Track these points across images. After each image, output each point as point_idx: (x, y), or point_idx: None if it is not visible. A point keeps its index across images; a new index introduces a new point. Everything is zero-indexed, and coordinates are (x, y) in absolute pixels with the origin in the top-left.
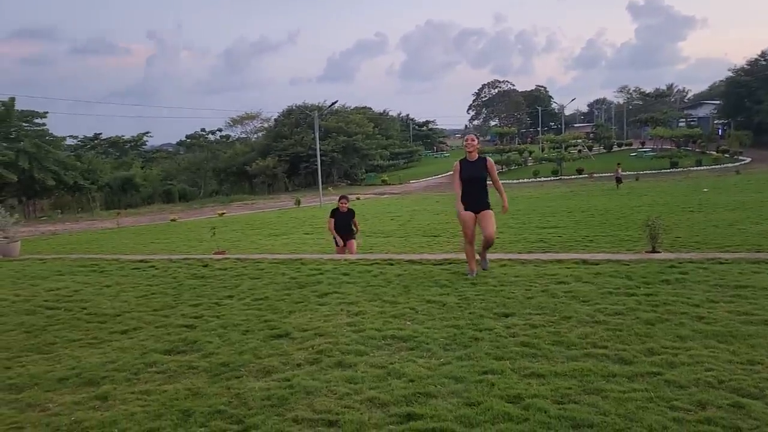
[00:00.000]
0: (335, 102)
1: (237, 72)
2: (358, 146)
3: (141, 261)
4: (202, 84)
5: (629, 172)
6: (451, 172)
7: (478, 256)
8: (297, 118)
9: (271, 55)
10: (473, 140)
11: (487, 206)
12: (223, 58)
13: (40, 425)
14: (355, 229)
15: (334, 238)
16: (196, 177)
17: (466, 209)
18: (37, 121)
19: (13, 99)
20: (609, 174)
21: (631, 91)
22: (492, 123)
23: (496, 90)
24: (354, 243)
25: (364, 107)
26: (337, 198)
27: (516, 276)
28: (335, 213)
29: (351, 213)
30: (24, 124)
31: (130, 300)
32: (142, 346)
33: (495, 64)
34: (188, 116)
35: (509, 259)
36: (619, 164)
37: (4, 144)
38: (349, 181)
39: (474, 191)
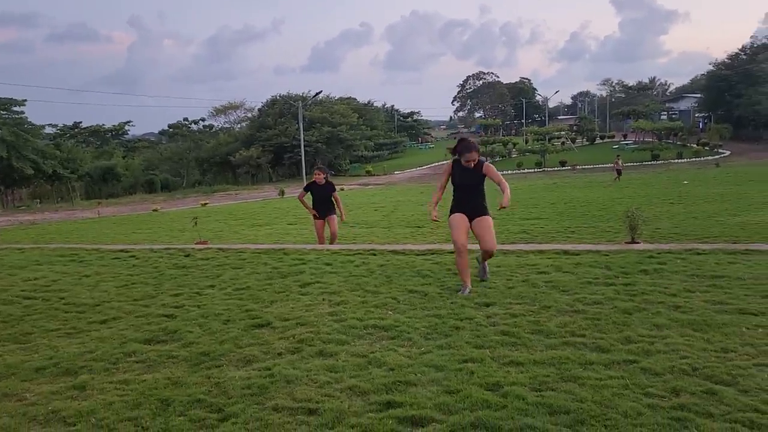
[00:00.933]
0: (320, 92)
1: (221, 61)
2: (343, 137)
3: (121, 251)
4: (185, 73)
5: (610, 164)
6: (436, 164)
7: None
8: (281, 108)
9: (256, 44)
10: (475, 158)
11: (485, 211)
12: (206, 47)
13: (17, 415)
14: (336, 205)
15: (312, 214)
16: (179, 167)
17: (458, 212)
18: (15, 108)
19: None
20: (591, 166)
21: (614, 84)
22: (477, 114)
23: (481, 81)
24: (335, 219)
25: (349, 98)
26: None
27: (497, 266)
28: (311, 186)
29: (330, 186)
30: (2, 111)
31: (109, 290)
32: (121, 336)
33: (480, 55)
34: (171, 105)
35: None
36: (618, 156)
37: None
38: (333, 172)
39: (467, 196)
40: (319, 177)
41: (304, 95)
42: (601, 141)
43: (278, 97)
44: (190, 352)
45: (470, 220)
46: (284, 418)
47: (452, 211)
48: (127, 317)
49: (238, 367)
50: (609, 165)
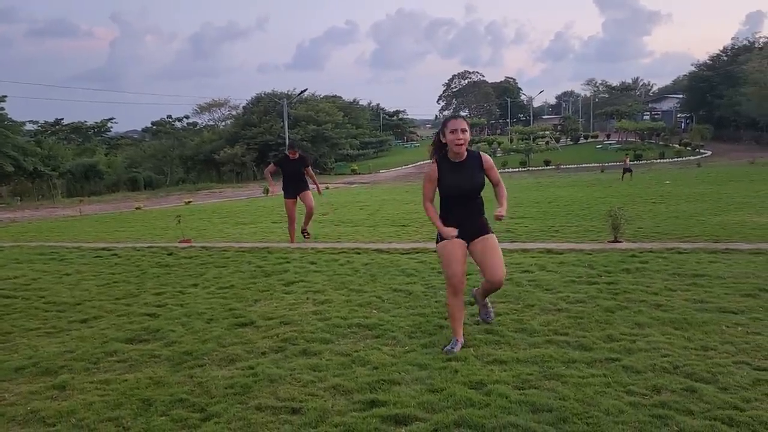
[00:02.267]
0: (304, 90)
1: (204, 58)
2: (328, 135)
3: (103, 249)
4: (168, 69)
5: (594, 164)
6: (421, 163)
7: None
8: (266, 106)
9: (240, 42)
10: (464, 129)
11: (486, 228)
12: (189, 43)
13: None
14: (312, 181)
15: (271, 190)
16: (163, 164)
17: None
18: None
19: None
20: (574, 166)
21: (597, 84)
22: (462, 113)
23: (466, 81)
24: (310, 194)
25: (334, 96)
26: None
27: None
28: (283, 161)
29: (302, 160)
30: None
31: (91, 288)
32: (102, 335)
33: (465, 54)
34: (154, 102)
35: None
36: (627, 155)
37: None
38: (318, 170)
39: (462, 209)
40: (292, 154)
41: (289, 93)
42: (584, 141)
43: (263, 95)
44: (173, 352)
45: (468, 241)
46: (267, 418)
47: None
48: (108, 316)
49: (221, 366)
50: (593, 165)
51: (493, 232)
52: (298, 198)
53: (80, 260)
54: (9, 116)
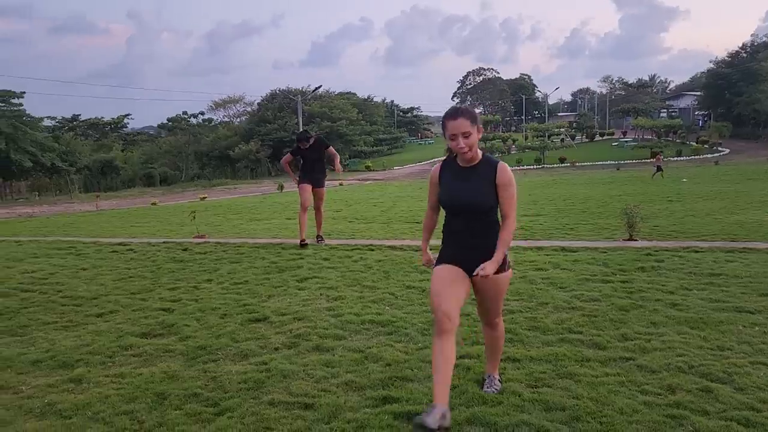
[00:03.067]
0: (319, 87)
1: (219, 54)
2: (342, 132)
3: (119, 244)
4: (184, 66)
5: (610, 162)
6: (436, 160)
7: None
8: (280, 103)
9: (255, 38)
10: (466, 132)
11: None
12: (205, 40)
13: (13, 407)
14: (332, 161)
15: (296, 180)
16: (178, 161)
17: (448, 260)
18: (13, 101)
19: None
20: (590, 163)
21: (614, 81)
22: (477, 111)
23: (481, 78)
24: (324, 192)
25: (348, 93)
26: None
27: None
28: (298, 151)
29: (320, 143)
30: (0, 104)
31: (107, 283)
32: (118, 330)
33: (480, 51)
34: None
35: None
36: (659, 153)
37: None
38: (330, 167)
39: (465, 231)
40: (304, 144)
41: (304, 90)
42: (600, 138)
43: (277, 92)
44: (187, 346)
45: (470, 272)
46: (280, 413)
47: (440, 256)
48: (124, 311)
49: (234, 361)
50: (609, 162)
51: (507, 269)
52: (312, 189)
53: (97, 255)
54: (27, 112)
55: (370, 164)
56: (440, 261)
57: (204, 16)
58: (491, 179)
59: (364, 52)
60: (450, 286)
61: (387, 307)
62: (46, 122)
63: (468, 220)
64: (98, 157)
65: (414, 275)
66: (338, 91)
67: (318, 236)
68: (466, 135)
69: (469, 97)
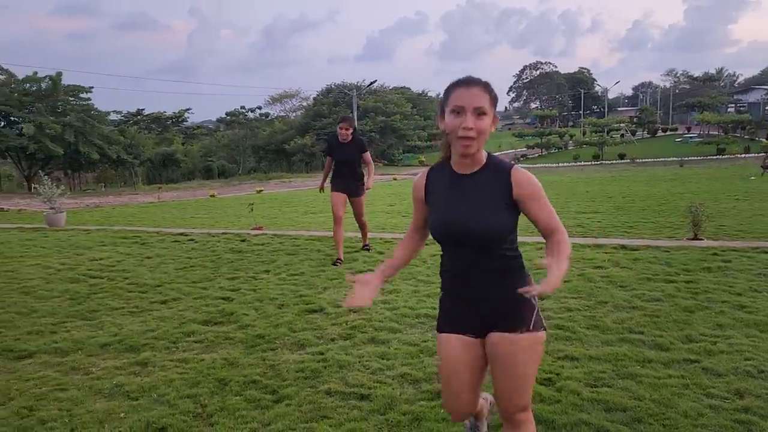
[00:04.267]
0: (374, 81)
1: (276, 50)
2: (396, 126)
3: (181, 234)
4: (242, 61)
5: (673, 158)
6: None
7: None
8: (335, 97)
9: (311, 33)
10: (481, 108)
11: (517, 316)
12: (262, 36)
13: (83, 388)
14: (367, 173)
15: (321, 186)
16: (236, 154)
17: (451, 323)
18: (82, 96)
19: (60, 74)
20: (651, 159)
21: (678, 75)
22: (533, 105)
23: (538, 71)
24: (362, 201)
25: (403, 87)
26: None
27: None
28: (333, 145)
29: (359, 145)
30: (70, 98)
31: (170, 272)
32: (180, 316)
33: (537, 45)
34: (228, 93)
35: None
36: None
37: (52, 118)
38: (385, 161)
39: (468, 271)
40: (345, 132)
41: (359, 84)
42: (663, 134)
43: (333, 86)
44: (246, 335)
45: (479, 333)
46: (337, 402)
47: (441, 313)
48: (186, 298)
49: (292, 350)
50: (672, 158)
51: (535, 328)
52: (347, 199)
53: (160, 244)
54: (95, 107)
55: (423, 159)
56: (441, 322)
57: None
58: (505, 191)
59: (419, 46)
60: (465, 372)
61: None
62: (113, 116)
63: (473, 257)
64: (160, 150)
65: None
66: (393, 86)
67: (364, 245)
68: (480, 113)
69: (525, 91)
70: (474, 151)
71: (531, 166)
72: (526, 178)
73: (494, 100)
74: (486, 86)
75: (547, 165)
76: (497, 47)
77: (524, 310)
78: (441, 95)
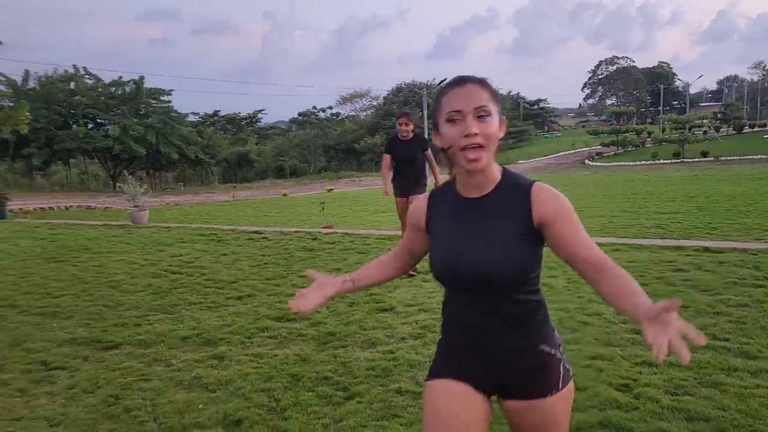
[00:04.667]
0: (444, 80)
1: (348, 50)
2: None
3: (255, 232)
4: (314, 62)
5: (761, 156)
6: (562, 154)
7: None
8: (405, 97)
9: (381, 33)
10: (484, 108)
11: (540, 379)
12: (334, 36)
13: (165, 379)
14: (432, 172)
15: (386, 190)
16: (307, 153)
17: (449, 371)
18: (163, 98)
19: (142, 77)
20: (737, 157)
21: (767, 68)
22: (608, 101)
23: (614, 67)
24: None
25: None
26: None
27: (630, 261)
28: (393, 143)
29: (420, 142)
30: (152, 101)
31: (244, 268)
32: (255, 312)
33: (613, 39)
34: (300, 94)
35: (623, 244)
36: None
37: (135, 120)
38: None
39: (484, 320)
40: (406, 128)
41: (429, 83)
42: (750, 130)
43: (403, 86)
44: (318, 332)
45: (490, 393)
46: (407, 402)
47: (436, 358)
48: (260, 295)
49: (363, 348)
50: (760, 156)
51: (564, 384)
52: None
53: (235, 242)
54: (175, 109)
55: None
56: (436, 367)
57: (334, 12)
58: (525, 216)
59: (490, 44)
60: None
61: None
62: (191, 118)
63: (484, 304)
64: (235, 150)
65: (544, 272)
66: None
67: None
68: (484, 114)
69: (600, 87)
70: (484, 165)
71: (606, 164)
72: (550, 195)
73: (496, 97)
74: (482, 82)
75: (623, 163)
76: (571, 42)
77: (550, 370)
78: (434, 103)
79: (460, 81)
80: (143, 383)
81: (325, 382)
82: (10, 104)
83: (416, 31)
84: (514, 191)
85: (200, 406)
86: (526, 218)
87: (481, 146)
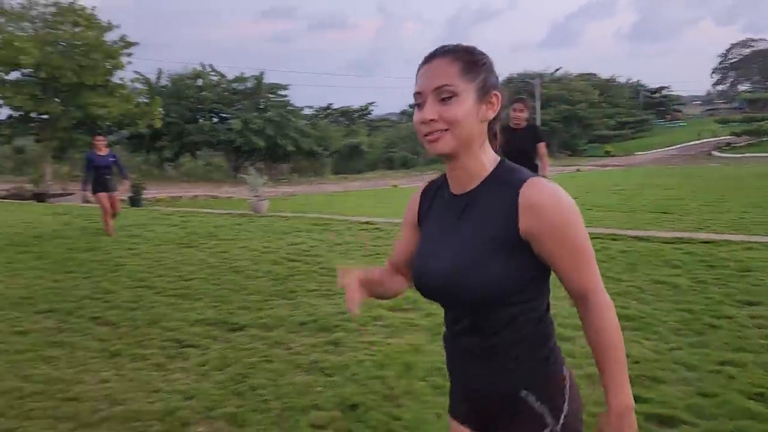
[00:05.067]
0: (558, 69)
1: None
2: (581, 115)
3: (366, 223)
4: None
5: None
6: (686, 145)
7: None
8: (517, 86)
9: (493, 22)
10: (446, 81)
11: (521, 415)
12: (445, 27)
13: (285, 361)
14: (541, 165)
15: None
16: (416, 145)
17: (456, 407)
18: (280, 93)
19: (262, 73)
20: None
21: None
22: (741, 88)
23: (749, 50)
24: None
25: (589, 74)
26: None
27: (763, 260)
28: (504, 132)
29: (533, 133)
30: (270, 95)
31: (357, 258)
32: (369, 301)
33: (747, 19)
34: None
35: (755, 242)
36: None
37: (255, 114)
38: (569, 152)
39: (469, 336)
40: (519, 115)
41: (542, 73)
42: None
43: (514, 75)
44: (430, 322)
45: (480, 425)
46: None
47: (451, 391)
48: None
49: None
50: None
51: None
52: None
53: (348, 232)
54: (291, 102)
55: (610, 149)
56: (450, 405)
57: (445, 3)
58: (507, 221)
59: (607, 30)
60: None
61: (633, 301)
62: (306, 111)
63: (466, 321)
64: (347, 142)
65: (664, 269)
66: (578, 73)
67: None
68: (444, 95)
69: (732, 72)
70: (449, 147)
71: (737, 155)
72: (545, 201)
73: (474, 70)
74: (455, 53)
75: (757, 155)
76: (699, 24)
77: (551, 402)
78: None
79: (429, 56)
80: (266, 364)
81: (437, 372)
82: (146, 101)
83: (528, 19)
84: (502, 190)
85: (318, 388)
86: (508, 225)
87: (439, 131)
